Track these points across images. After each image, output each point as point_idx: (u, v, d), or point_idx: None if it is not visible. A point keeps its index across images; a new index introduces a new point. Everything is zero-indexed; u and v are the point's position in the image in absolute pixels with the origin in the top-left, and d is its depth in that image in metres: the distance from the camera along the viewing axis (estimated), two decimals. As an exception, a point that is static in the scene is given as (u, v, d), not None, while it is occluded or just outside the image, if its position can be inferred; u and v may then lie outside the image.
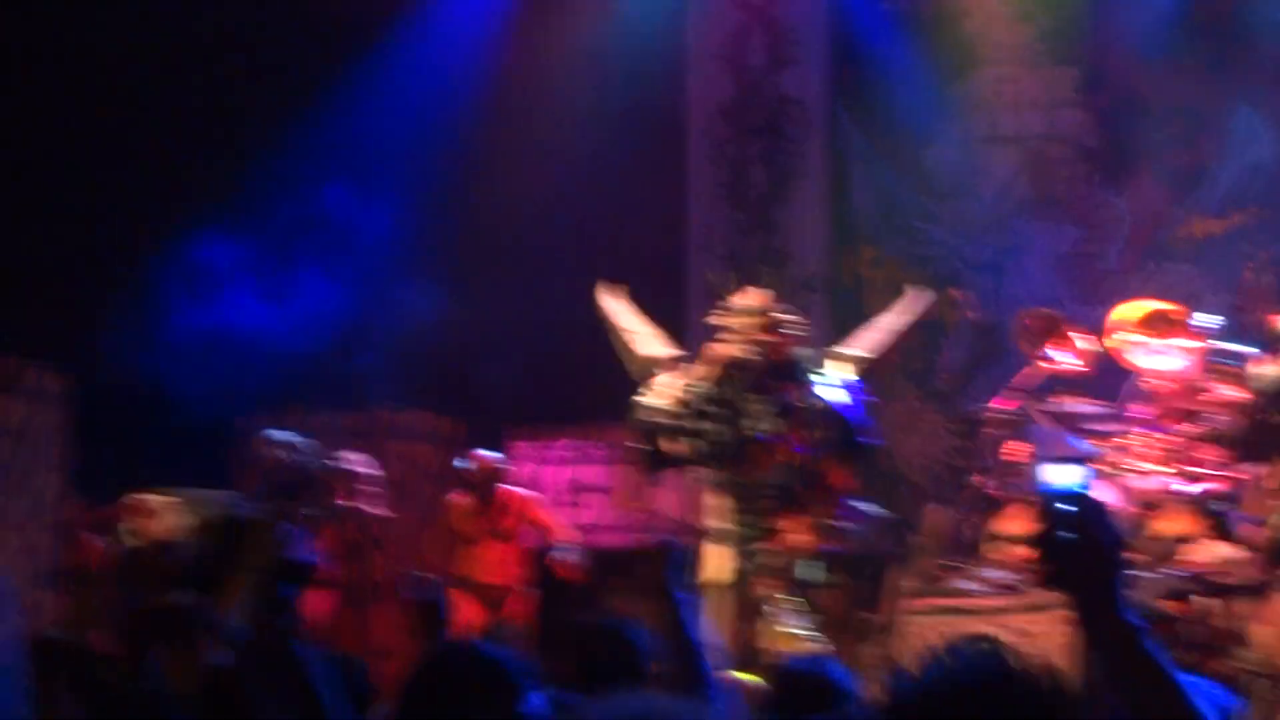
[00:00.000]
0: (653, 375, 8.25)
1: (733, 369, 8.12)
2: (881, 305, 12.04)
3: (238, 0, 12.05)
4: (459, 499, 10.49)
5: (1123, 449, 9.62)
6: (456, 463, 10.60)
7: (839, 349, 8.56)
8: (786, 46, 12.77)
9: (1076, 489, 2.56)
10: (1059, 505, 2.51)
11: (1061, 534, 2.49)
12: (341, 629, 9.27)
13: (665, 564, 4.09)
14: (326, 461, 9.68)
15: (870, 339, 8.66)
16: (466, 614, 9.94)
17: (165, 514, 7.89)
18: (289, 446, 9.40)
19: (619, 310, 8.62)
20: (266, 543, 7.08)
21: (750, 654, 7.79)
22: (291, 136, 11.86)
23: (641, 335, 8.52)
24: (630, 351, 8.46)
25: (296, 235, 11.77)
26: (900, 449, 11.92)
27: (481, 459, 10.53)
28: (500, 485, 10.59)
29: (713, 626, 7.95)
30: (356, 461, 9.92)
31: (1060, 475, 2.63)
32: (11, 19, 11.19)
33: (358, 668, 4.92)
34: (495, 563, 10.30)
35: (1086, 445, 9.00)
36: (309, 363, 10.93)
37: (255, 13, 11.91)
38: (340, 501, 9.66)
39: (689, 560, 4.15)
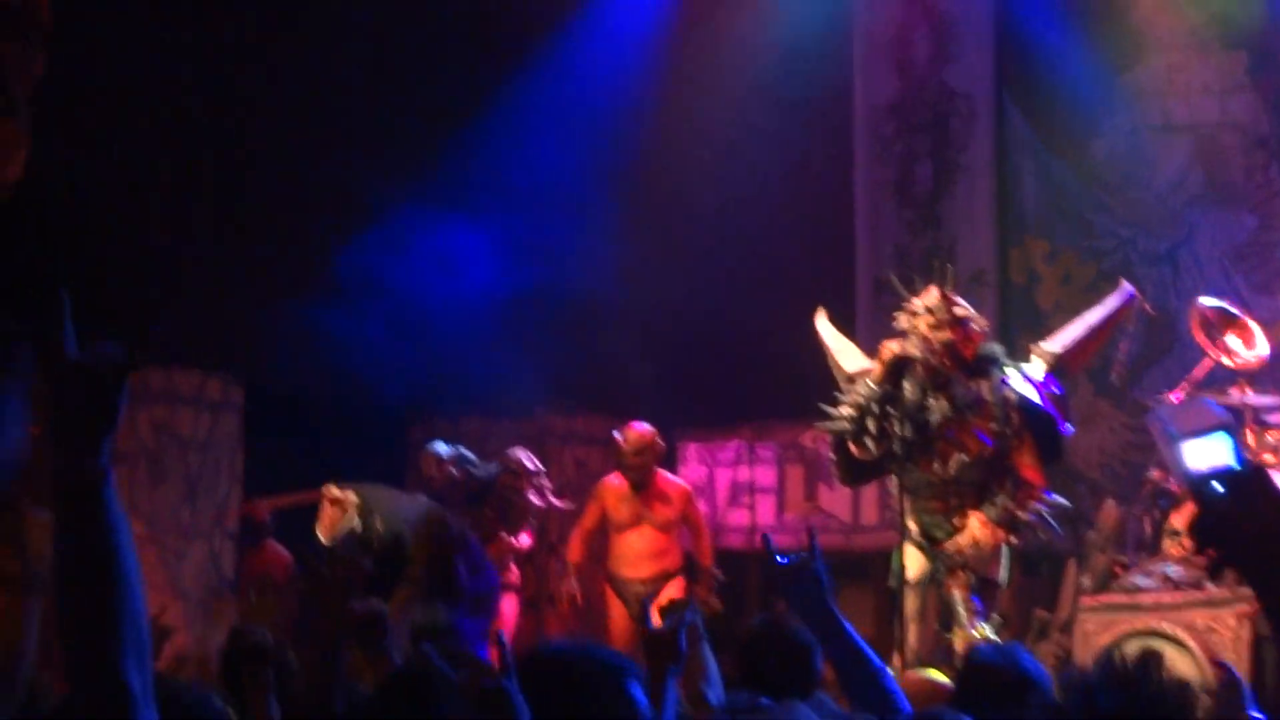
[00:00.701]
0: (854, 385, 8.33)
1: (902, 367, 8.12)
2: (1056, 300, 12.07)
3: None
4: (613, 480, 10.17)
5: (1304, 441, 9.49)
6: (615, 433, 10.22)
7: (1039, 345, 8.56)
8: (951, 40, 12.68)
9: (1226, 464, 2.28)
10: (1210, 487, 2.25)
11: (1214, 514, 2.23)
12: (520, 633, 9.42)
13: (810, 576, 4.00)
14: (497, 464, 9.76)
15: (1065, 334, 8.64)
16: (616, 612, 9.94)
17: (352, 510, 8.02)
18: (456, 460, 9.57)
19: (826, 330, 8.73)
20: (438, 560, 7.19)
21: (941, 653, 7.79)
22: (462, 137, 12.02)
23: (844, 352, 8.61)
24: (839, 368, 8.55)
25: (467, 238, 11.90)
26: (1076, 445, 11.78)
27: (636, 429, 10.10)
28: (660, 471, 10.21)
29: (909, 627, 8.00)
30: (525, 458, 9.92)
31: (1203, 453, 2.32)
32: (179, 24, 11.43)
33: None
34: (647, 554, 9.89)
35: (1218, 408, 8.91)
36: (479, 367, 11.05)
37: (423, 8, 12.08)
38: (523, 498, 9.76)
39: (825, 569, 4.04)
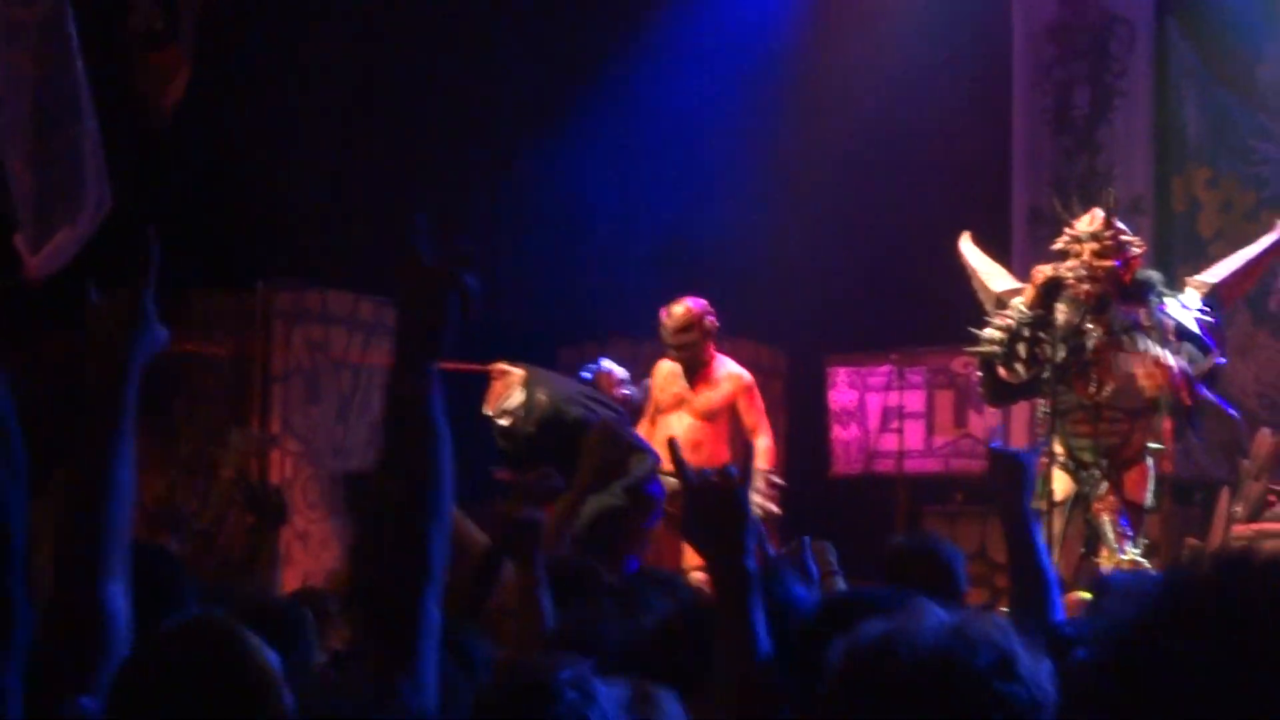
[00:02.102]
0: (1002, 310, 8.30)
1: (1053, 290, 8.09)
2: (1216, 228, 11.89)
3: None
4: (666, 362, 9.38)
5: None
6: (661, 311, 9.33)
7: (1194, 276, 8.52)
8: (1112, -37, 12.50)
9: None
10: None
11: None
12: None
13: (1017, 487, 4.01)
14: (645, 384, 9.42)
15: (1222, 267, 8.61)
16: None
17: (517, 383, 8.01)
18: (627, 382, 9.38)
19: (971, 252, 8.70)
20: (606, 470, 7.22)
21: (1088, 577, 7.77)
22: (606, 67, 12.09)
23: (992, 275, 8.59)
24: (985, 289, 8.52)
25: (620, 163, 11.97)
26: (1233, 374, 11.63)
27: (680, 304, 9.24)
28: (718, 356, 9.41)
29: (1054, 550, 7.99)
30: (618, 376, 9.27)
31: None
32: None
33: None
34: (682, 442, 8.27)
35: None
36: (628, 290, 11.12)
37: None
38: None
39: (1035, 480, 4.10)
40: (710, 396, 9.26)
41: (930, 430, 11.60)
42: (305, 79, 11.39)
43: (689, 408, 9.22)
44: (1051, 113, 12.51)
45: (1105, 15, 12.44)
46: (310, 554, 10.67)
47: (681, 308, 9.24)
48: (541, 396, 7.81)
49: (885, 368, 11.67)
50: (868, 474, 11.71)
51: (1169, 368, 7.90)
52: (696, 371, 9.26)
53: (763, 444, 9.26)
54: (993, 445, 4.18)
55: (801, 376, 12.31)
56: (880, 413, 11.72)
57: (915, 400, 11.67)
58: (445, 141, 11.81)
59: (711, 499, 2.94)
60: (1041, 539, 4.05)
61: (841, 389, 11.95)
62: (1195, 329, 8.05)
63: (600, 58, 12.17)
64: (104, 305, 2.78)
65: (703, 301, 9.34)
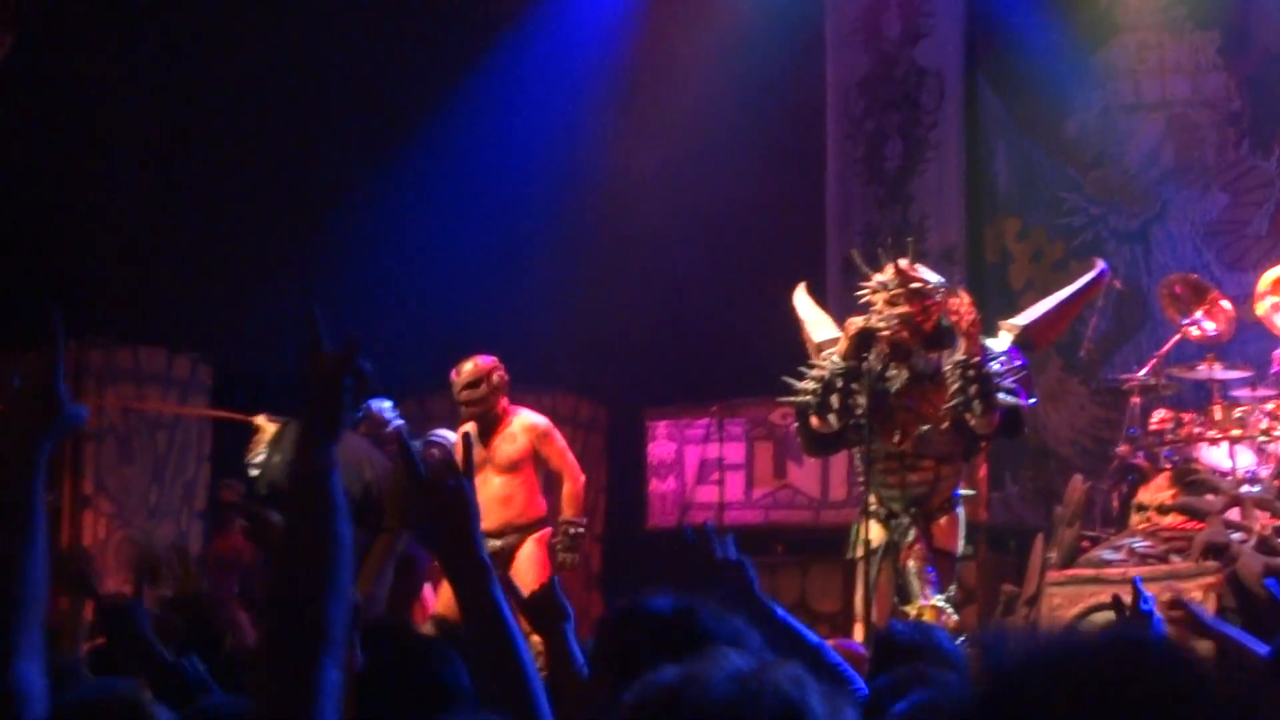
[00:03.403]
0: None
1: (865, 340, 8.18)
2: (1027, 278, 12.11)
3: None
4: (464, 426, 9.02)
5: (1273, 415, 9.53)
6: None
7: (1006, 320, 8.63)
8: (922, 18, 12.71)
9: None
10: None
11: None
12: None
13: (744, 584, 3.95)
14: (426, 439, 9.13)
15: (1034, 310, 8.73)
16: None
17: (263, 439, 8.24)
18: (400, 430, 9.15)
19: (803, 303, 8.75)
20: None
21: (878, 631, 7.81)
22: (427, 126, 12.04)
23: (818, 324, 8.64)
24: (809, 340, 8.58)
25: (437, 217, 11.90)
26: (1046, 421, 11.84)
27: (468, 362, 9.06)
28: (510, 409, 9.21)
29: (867, 599, 8.04)
30: (387, 413, 9.10)
31: None
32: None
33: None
34: (490, 501, 8.50)
35: None
36: (448, 346, 11.03)
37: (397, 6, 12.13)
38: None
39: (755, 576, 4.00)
40: (508, 450, 9.09)
41: (750, 481, 11.64)
42: (114, 131, 11.21)
43: (491, 466, 9.02)
44: (864, 163, 12.69)
45: (915, 69, 12.65)
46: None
47: (470, 364, 9.12)
48: (277, 458, 7.89)
49: (705, 420, 11.69)
50: (683, 526, 11.70)
51: (975, 322, 8.04)
52: (492, 427, 9.10)
53: (567, 489, 9.15)
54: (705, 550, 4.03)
55: (621, 429, 12.29)
56: (698, 465, 11.75)
57: (735, 451, 11.70)
58: (260, 192, 11.68)
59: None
60: (790, 619, 3.97)
61: (661, 441, 11.96)
62: (999, 371, 8.15)
63: (423, 108, 12.12)
64: (22, 391, 2.81)
65: (491, 358, 9.20)
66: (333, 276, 11.46)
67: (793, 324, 8.79)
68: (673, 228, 12.21)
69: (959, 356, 8.01)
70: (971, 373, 7.97)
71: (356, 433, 8.56)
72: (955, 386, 7.99)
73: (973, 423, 8.06)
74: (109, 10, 11.30)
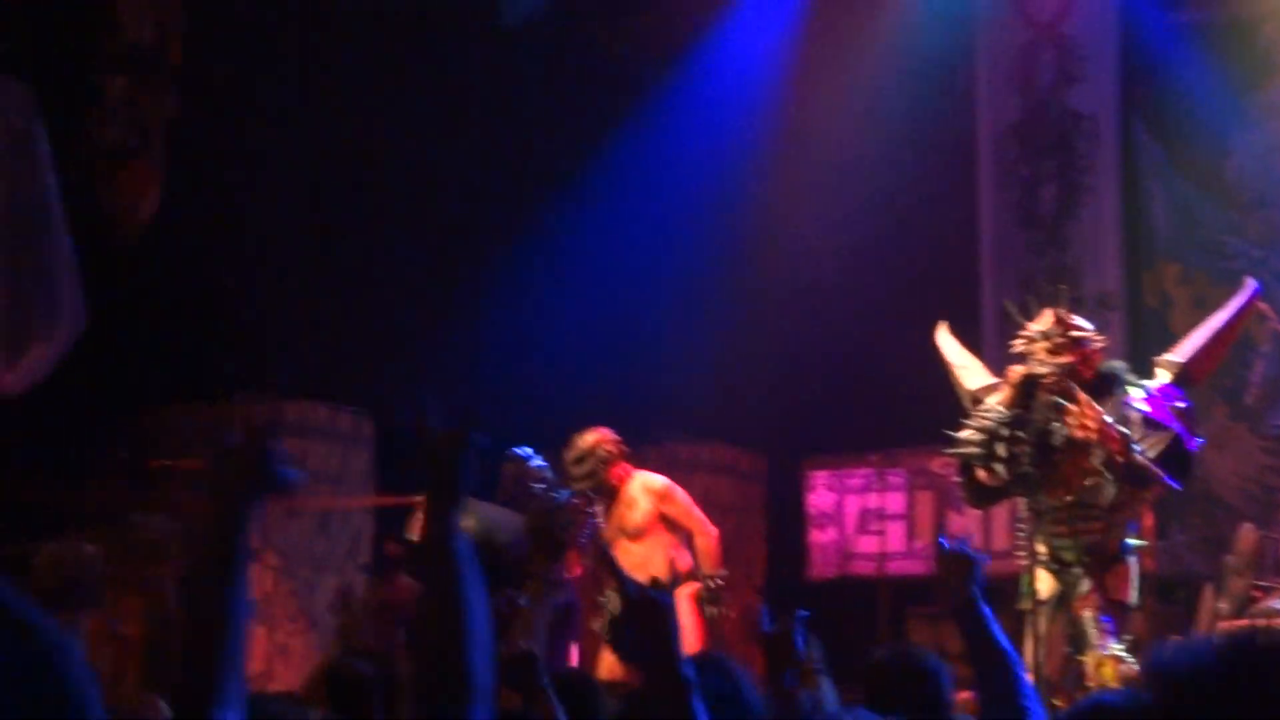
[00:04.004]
0: (977, 407, 8.24)
1: (1030, 389, 8.07)
2: (1189, 323, 11.94)
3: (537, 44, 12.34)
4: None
5: None
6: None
7: (1163, 356, 8.44)
8: (1076, 62, 12.64)
9: None
10: None
11: None
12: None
13: (966, 579, 4.09)
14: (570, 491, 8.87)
15: (1189, 342, 8.53)
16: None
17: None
18: (543, 478, 9.08)
19: (948, 345, 8.65)
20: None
21: (1075, 678, 7.72)
22: (579, 176, 12.13)
23: (969, 369, 8.53)
24: (960, 386, 8.48)
25: (587, 268, 11.98)
26: (1213, 468, 11.68)
27: (578, 436, 9.05)
28: (628, 473, 9.17)
29: (1039, 649, 7.94)
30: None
31: None
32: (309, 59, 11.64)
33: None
34: (633, 568, 7.62)
35: None
36: (601, 395, 11.07)
37: (541, 57, 12.24)
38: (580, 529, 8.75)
39: (984, 577, 4.11)
40: (633, 517, 9.09)
41: (911, 532, 11.59)
42: (278, 184, 11.41)
43: (624, 536, 9.03)
44: (1018, 209, 12.63)
45: (1070, 113, 12.58)
46: (292, 668, 10.58)
47: (578, 440, 9.14)
48: (469, 523, 7.77)
49: (864, 470, 11.67)
50: (844, 576, 11.68)
51: (1102, 418, 7.84)
52: (612, 497, 9.09)
53: (700, 544, 9.13)
54: (940, 541, 4.28)
55: (780, 479, 12.29)
56: (858, 514, 11.72)
57: (896, 501, 11.67)
58: (423, 245, 11.83)
59: (643, 610, 3.14)
60: (998, 628, 4.03)
61: (820, 491, 11.94)
62: (1151, 415, 8.01)
63: (579, 159, 12.22)
64: (236, 450, 2.95)
65: (600, 430, 9.18)
66: (492, 329, 11.58)
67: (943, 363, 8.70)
68: (828, 275, 12.23)
69: (1101, 456, 7.83)
70: (1119, 471, 7.84)
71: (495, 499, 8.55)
72: (1108, 489, 7.84)
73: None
74: (271, 66, 11.51)
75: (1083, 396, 7.88)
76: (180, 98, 11.01)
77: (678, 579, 8.88)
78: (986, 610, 4.05)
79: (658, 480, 9.25)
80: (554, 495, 8.51)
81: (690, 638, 8.45)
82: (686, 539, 9.17)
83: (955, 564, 4.13)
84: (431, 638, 2.78)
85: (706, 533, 9.17)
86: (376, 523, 11.19)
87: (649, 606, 3.15)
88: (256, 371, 11.00)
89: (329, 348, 10.99)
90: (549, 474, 8.68)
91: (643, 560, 8.74)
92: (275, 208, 11.41)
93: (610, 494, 9.08)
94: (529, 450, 8.80)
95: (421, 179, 11.80)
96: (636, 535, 9.02)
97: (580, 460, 9.02)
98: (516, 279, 11.90)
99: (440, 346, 11.06)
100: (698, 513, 9.24)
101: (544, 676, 4.62)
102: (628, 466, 9.22)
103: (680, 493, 9.27)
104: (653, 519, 9.08)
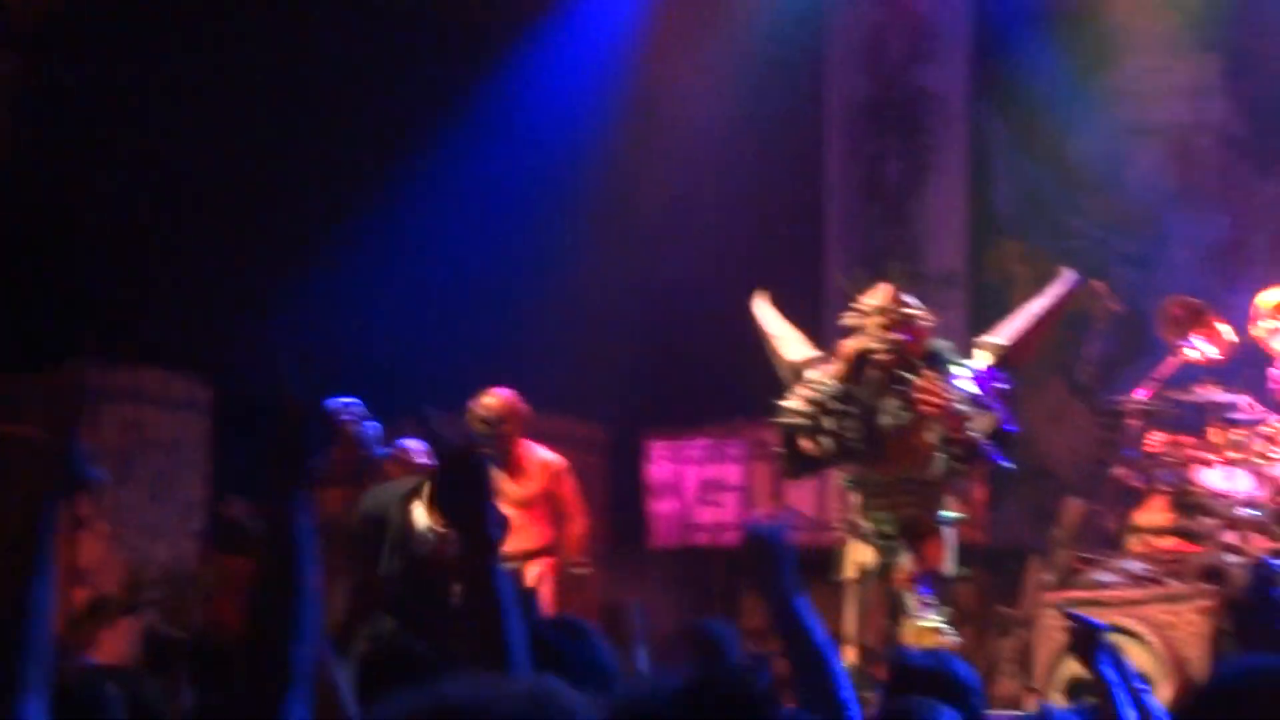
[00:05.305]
0: (799, 379, 8.31)
1: (862, 364, 8.17)
2: (1028, 301, 12.11)
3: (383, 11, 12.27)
4: None
5: (1268, 438, 9.53)
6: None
7: (983, 338, 8.56)
8: (926, 41, 12.78)
9: None
10: None
11: None
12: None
13: (774, 568, 3.94)
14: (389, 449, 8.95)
15: (1010, 325, 8.65)
16: None
17: None
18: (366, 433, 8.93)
19: (767, 316, 8.70)
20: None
21: (891, 649, 7.82)
22: (429, 140, 12.07)
23: (787, 340, 8.59)
24: (778, 356, 8.54)
25: (435, 237, 11.92)
26: (1047, 444, 11.86)
27: (489, 394, 8.96)
28: (525, 444, 9.20)
29: (854, 622, 8.05)
30: (418, 452, 8.82)
31: None
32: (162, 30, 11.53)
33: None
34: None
35: None
36: (441, 368, 11.03)
37: (392, 21, 12.18)
38: None
39: (795, 556, 3.97)
40: (522, 489, 9.09)
41: (748, 503, 11.65)
42: (116, 148, 11.28)
43: (505, 500, 8.70)
44: (864, 184, 12.74)
45: (917, 91, 12.70)
46: (120, 638, 10.49)
47: (494, 399, 9.04)
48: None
49: (702, 440, 11.73)
50: (685, 546, 11.74)
51: (946, 394, 7.93)
52: (507, 462, 9.08)
53: (572, 531, 9.28)
54: (748, 526, 4.31)
55: (621, 450, 12.31)
56: (698, 485, 11.77)
57: (733, 473, 11.73)
58: (264, 210, 11.74)
59: (458, 466, 3.14)
60: (812, 619, 3.88)
61: (660, 462, 11.97)
62: (979, 393, 8.12)
63: (424, 131, 12.14)
64: (40, 446, 3.00)
65: (510, 391, 9.16)
66: (333, 297, 11.50)
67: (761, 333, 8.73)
68: (671, 248, 12.26)
69: (938, 432, 7.92)
70: (955, 449, 7.95)
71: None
72: (942, 463, 7.94)
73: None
74: (114, 27, 11.38)
75: (927, 372, 7.99)
76: (20, 59, 10.88)
77: (543, 549, 9.11)
78: (799, 601, 3.88)
79: (556, 458, 9.35)
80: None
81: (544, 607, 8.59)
82: (559, 521, 9.26)
83: (758, 548, 3.97)
84: (258, 621, 2.77)
85: (582, 522, 9.35)
86: (210, 489, 11.12)
87: (464, 462, 3.15)
88: (92, 338, 10.89)
89: (165, 313, 10.90)
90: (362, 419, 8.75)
91: (518, 528, 8.59)
92: (110, 170, 11.29)
93: (509, 458, 9.07)
94: (349, 400, 8.82)
95: (266, 140, 11.70)
96: (520, 505, 8.97)
97: (500, 420, 8.99)
98: (361, 245, 11.82)
99: (282, 311, 10.98)
100: (580, 500, 9.39)
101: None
102: (524, 438, 9.29)
103: (572, 477, 9.40)
104: (540, 495, 9.17)
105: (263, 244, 11.50)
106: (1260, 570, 4.99)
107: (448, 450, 3.20)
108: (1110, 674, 4.45)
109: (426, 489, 7.19)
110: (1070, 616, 4.70)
